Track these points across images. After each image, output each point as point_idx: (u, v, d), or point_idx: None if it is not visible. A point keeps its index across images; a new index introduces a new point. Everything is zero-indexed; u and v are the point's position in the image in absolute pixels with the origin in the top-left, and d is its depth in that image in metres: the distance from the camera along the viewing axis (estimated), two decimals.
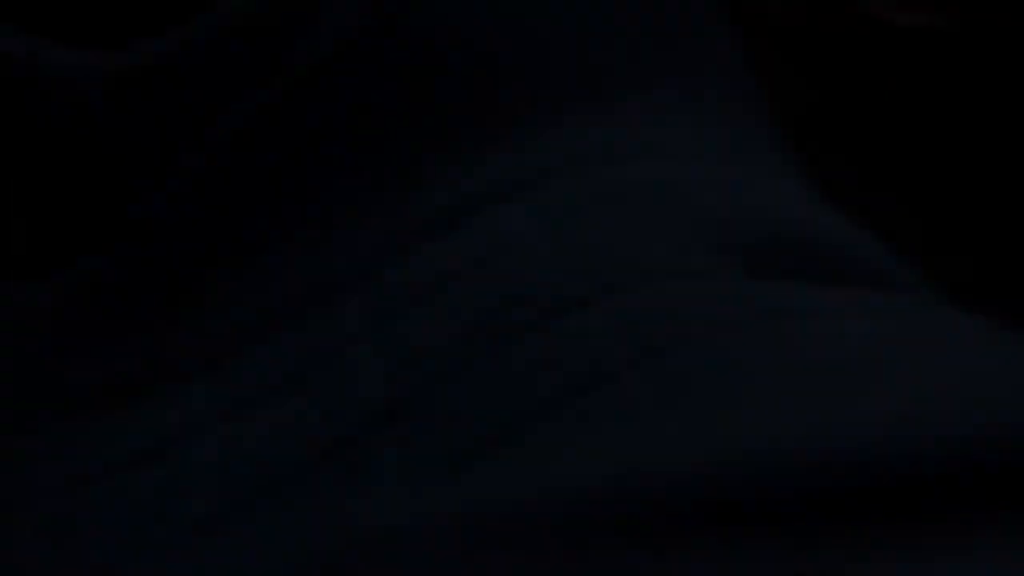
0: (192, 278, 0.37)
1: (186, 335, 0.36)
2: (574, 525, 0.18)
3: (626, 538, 0.18)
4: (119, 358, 0.35)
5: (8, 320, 0.37)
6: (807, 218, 0.34)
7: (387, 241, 0.37)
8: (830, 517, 0.16)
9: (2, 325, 0.37)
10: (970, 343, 0.24)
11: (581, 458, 0.20)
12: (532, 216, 0.34)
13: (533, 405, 0.25)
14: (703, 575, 0.17)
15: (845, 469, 0.16)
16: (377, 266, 0.36)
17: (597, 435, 0.23)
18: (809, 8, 0.48)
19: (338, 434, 0.29)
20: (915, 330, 0.24)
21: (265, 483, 0.29)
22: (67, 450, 0.32)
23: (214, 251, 0.37)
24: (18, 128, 0.39)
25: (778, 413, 0.18)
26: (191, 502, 0.30)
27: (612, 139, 0.37)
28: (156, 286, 0.36)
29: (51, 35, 0.40)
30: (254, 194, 0.37)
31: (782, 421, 0.17)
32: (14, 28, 0.40)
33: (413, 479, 0.26)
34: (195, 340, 0.36)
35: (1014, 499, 0.17)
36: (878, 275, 0.33)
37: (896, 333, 0.24)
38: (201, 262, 0.37)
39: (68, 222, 0.38)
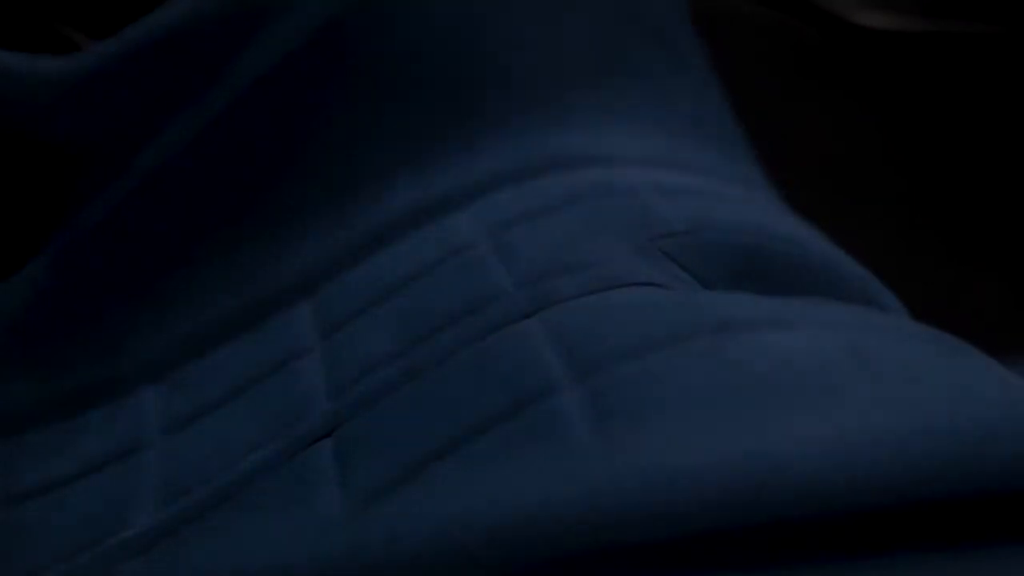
0: (138, 286, 0.36)
1: (133, 345, 0.35)
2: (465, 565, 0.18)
3: None
4: (64, 369, 0.35)
5: None
6: (767, 226, 0.34)
7: (338, 249, 0.36)
8: (740, 553, 0.16)
9: None
10: (914, 358, 0.24)
11: (496, 490, 0.19)
12: (479, 225, 0.33)
13: (465, 424, 0.24)
14: None
15: (760, 512, 0.15)
16: (327, 275, 0.35)
17: (518, 465, 0.22)
18: (775, 9, 0.48)
19: (280, 447, 0.28)
20: (866, 345, 0.24)
21: (205, 498, 0.28)
22: (6, 464, 0.32)
23: (160, 259, 0.36)
24: None
25: (689, 446, 0.17)
26: (131, 517, 0.29)
27: (564, 146, 0.37)
28: (101, 293, 0.36)
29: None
30: (202, 200, 0.37)
31: (694, 457, 0.16)
32: None
33: (350, 497, 0.25)
34: (143, 350, 0.35)
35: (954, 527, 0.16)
36: (840, 285, 0.33)
37: (845, 348, 0.23)
38: (147, 270, 0.36)
39: (16, 226, 0.37)
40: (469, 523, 0.20)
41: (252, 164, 0.37)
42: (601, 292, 0.27)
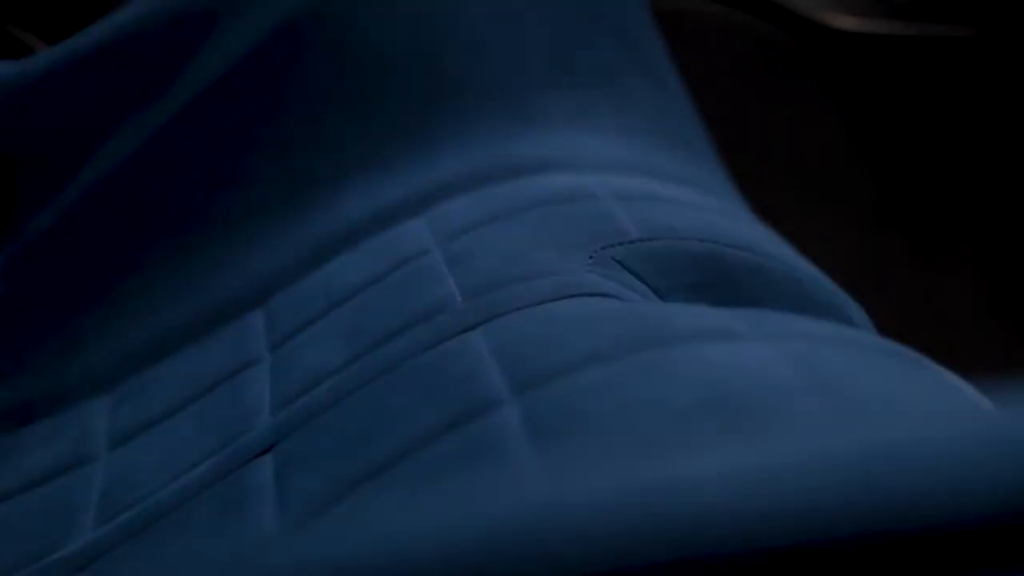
0: (86, 296, 0.35)
1: (81, 357, 0.34)
2: None
3: None
4: (8, 381, 0.34)
5: None
6: (729, 233, 0.33)
7: (291, 257, 0.35)
8: None
9: None
10: (870, 374, 0.23)
11: (432, 511, 0.18)
12: (432, 233, 0.33)
13: (404, 440, 0.24)
14: None
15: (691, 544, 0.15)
16: (280, 283, 0.35)
17: (455, 484, 0.21)
18: (742, 10, 0.47)
19: (221, 463, 0.28)
20: (818, 360, 0.23)
21: (144, 514, 0.28)
22: None
23: (109, 269, 0.36)
24: None
25: (615, 472, 0.16)
26: (72, 533, 0.28)
27: (524, 151, 0.36)
28: (47, 304, 0.35)
29: None
30: (151, 208, 0.36)
31: (618, 483, 0.16)
32: None
33: (286, 514, 0.24)
34: (90, 362, 0.34)
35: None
36: (802, 295, 0.32)
37: (795, 362, 0.22)
38: (95, 280, 0.35)
39: None
40: (402, 545, 0.19)
41: (202, 171, 0.36)
42: (548, 303, 0.27)
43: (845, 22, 0.48)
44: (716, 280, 0.31)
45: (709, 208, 0.35)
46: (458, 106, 0.38)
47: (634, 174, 0.36)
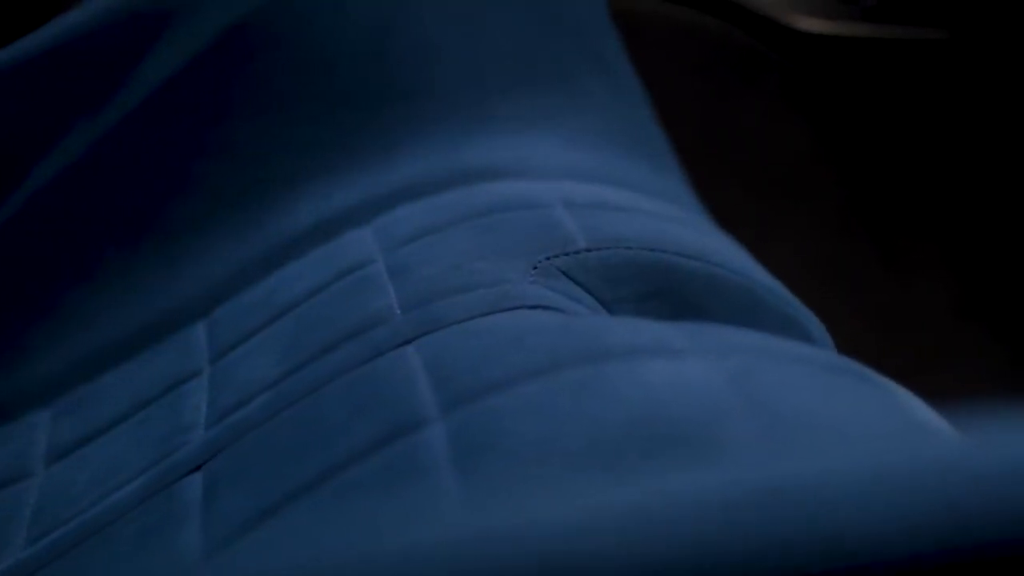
0: (30, 306, 0.34)
1: (24, 368, 0.34)
2: None
3: None
4: None
5: None
6: (684, 243, 0.32)
7: (239, 266, 0.34)
8: None
9: None
10: (813, 394, 0.22)
11: (353, 533, 0.18)
12: (379, 241, 0.32)
13: (332, 458, 0.23)
14: None
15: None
16: (227, 293, 0.34)
17: (379, 506, 0.21)
18: (705, 12, 0.47)
19: (154, 479, 0.27)
20: (759, 378, 0.22)
21: (74, 532, 0.27)
22: None
23: (53, 278, 0.35)
24: None
25: (533, 501, 0.16)
26: (3, 550, 0.28)
27: (479, 157, 0.35)
28: None
29: None
30: (97, 215, 0.35)
31: (534, 514, 0.15)
32: None
33: (210, 533, 0.24)
34: (34, 373, 0.34)
35: None
36: (756, 307, 0.31)
37: (733, 380, 0.22)
38: (40, 289, 0.35)
39: None
40: (320, 568, 0.19)
41: (150, 177, 0.36)
42: (486, 316, 0.26)
43: (812, 24, 0.47)
44: (665, 290, 0.30)
45: (664, 216, 0.34)
46: (412, 110, 0.37)
47: (589, 180, 0.35)
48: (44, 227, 0.35)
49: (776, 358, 0.24)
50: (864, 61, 0.49)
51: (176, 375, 0.31)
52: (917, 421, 0.23)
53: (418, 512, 0.20)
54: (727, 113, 0.48)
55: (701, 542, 0.14)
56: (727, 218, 0.40)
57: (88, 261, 0.35)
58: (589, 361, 0.23)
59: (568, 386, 0.22)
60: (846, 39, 0.47)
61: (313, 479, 0.23)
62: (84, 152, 0.36)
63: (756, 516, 0.14)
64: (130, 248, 0.36)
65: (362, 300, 0.29)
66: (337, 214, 0.35)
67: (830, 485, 0.14)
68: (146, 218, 0.36)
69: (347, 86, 0.37)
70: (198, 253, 0.35)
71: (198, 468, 0.26)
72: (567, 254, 0.29)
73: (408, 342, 0.26)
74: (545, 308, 0.27)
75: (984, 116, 0.50)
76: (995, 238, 0.52)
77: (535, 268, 0.29)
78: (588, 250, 0.30)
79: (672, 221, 0.34)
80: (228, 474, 0.25)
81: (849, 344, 0.34)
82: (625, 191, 0.36)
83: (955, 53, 0.48)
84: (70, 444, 0.31)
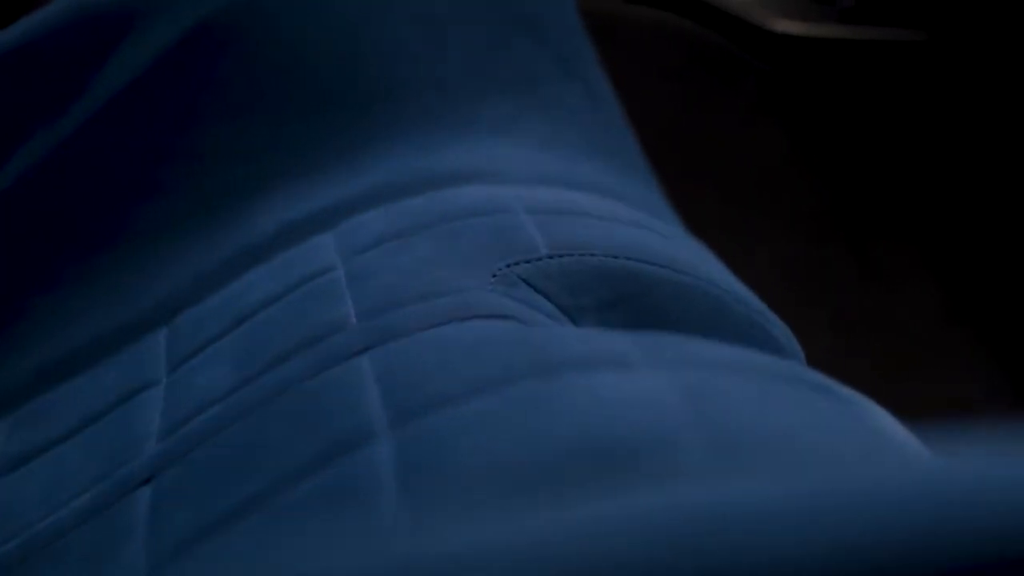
0: None
1: None
2: None
3: None
4: None
5: None
6: (651, 250, 0.32)
7: (202, 272, 0.34)
8: None
9: None
10: (772, 411, 0.22)
11: (292, 557, 0.17)
12: (341, 248, 0.31)
13: (278, 474, 0.22)
14: None
15: None
16: (189, 300, 0.33)
17: (321, 528, 0.20)
18: (679, 14, 0.46)
19: (101, 497, 0.26)
20: (715, 393, 0.22)
21: (20, 548, 0.26)
22: None
23: (13, 285, 0.34)
24: None
25: (474, 530, 0.15)
26: None
27: (445, 161, 0.35)
28: None
29: None
30: (59, 221, 0.35)
31: (473, 545, 0.14)
32: None
33: (153, 552, 0.23)
34: None
35: None
36: (722, 316, 0.31)
37: (687, 396, 0.21)
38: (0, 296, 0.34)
39: None
40: None
41: (113, 182, 0.35)
42: (442, 325, 0.26)
43: (788, 26, 0.47)
44: (629, 298, 0.30)
45: (631, 222, 0.34)
46: (377, 114, 0.36)
47: (556, 186, 0.35)
48: (5, 235, 0.35)
49: (736, 371, 0.24)
50: (841, 63, 0.48)
51: (134, 385, 0.31)
52: (880, 438, 0.22)
53: (357, 537, 0.19)
54: (702, 117, 0.48)
55: (641, 570, 0.13)
56: (701, 223, 0.40)
57: (48, 269, 0.35)
58: (542, 374, 0.22)
59: (518, 401, 0.21)
60: (823, 41, 0.47)
61: (255, 497, 0.22)
62: (45, 157, 0.35)
63: (697, 543, 0.13)
64: (92, 255, 0.35)
65: (320, 308, 0.28)
66: (301, 219, 0.34)
67: (774, 509, 0.14)
68: (108, 224, 0.35)
69: (313, 89, 0.36)
70: (161, 260, 0.35)
71: (147, 481, 0.26)
72: (528, 261, 0.29)
73: (362, 352, 0.25)
74: (503, 317, 0.26)
75: (963, 118, 0.49)
76: (975, 242, 0.52)
77: (495, 276, 0.28)
78: (550, 257, 0.29)
79: (639, 227, 0.33)
80: (175, 489, 0.25)
81: (824, 353, 0.34)
82: (592, 197, 0.35)
83: (933, 54, 0.48)
84: (22, 456, 0.30)
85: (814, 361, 0.31)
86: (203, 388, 0.28)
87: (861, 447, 0.21)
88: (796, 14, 0.47)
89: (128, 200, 0.35)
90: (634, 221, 0.34)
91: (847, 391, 0.25)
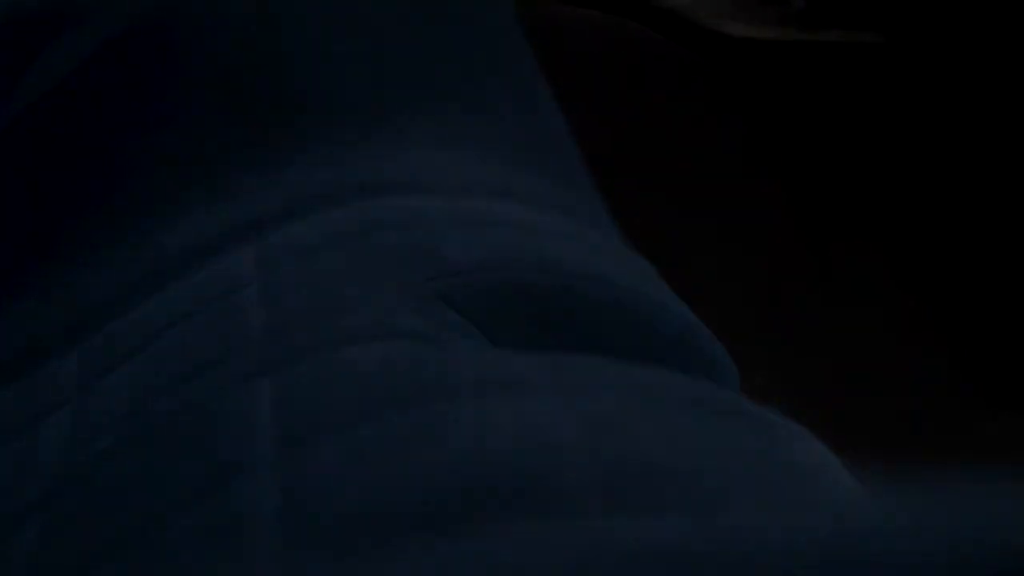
0: None
1: None
2: None
3: None
4: None
5: None
6: (584, 265, 0.31)
7: (120, 288, 0.33)
8: None
9: None
10: (684, 448, 0.21)
11: None
12: (257, 263, 0.30)
13: (158, 509, 0.21)
14: None
15: None
16: (106, 318, 0.32)
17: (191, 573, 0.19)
18: (628, 17, 0.45)
19: None
20: (622, 424, 0.21)
21: None
22: None
23: None
24: None
25: None
26: None
27: (373, 170, 0.34)
28: None
29: None
30: None
31: None
32: None
33: None
34: None
35: None
36: (654, 336, 0.30)
37: (587, 427, 0.20)
38: None
39: None
40: None
41: (29, 195, 0.34)
42: (345, 345, 0.24)
43: (740, 29, 0.46)
44: (560, 317, 0.29)
45: (565, 234, 0.33)
46: (305, 122, 0.35)
47: (489, 197, 0.34)
48: None
49: (648, 398, 0.23)
50: (794, 66, 0.47)
51: (44, 405, 0.30)
52: (795, 473, 0.21)
53: None
54: (651, 122, 0.47)
55: None
56: (651, 232, 0.39)
57: None
58: (436, 399, 0.21)
59: (408, 430, 0.20)
60: (776, 43, 0.46)
61: (137, 530, 0.21)
62: None
63: None
64: (8, 271, 0.34)
65: (227, 328, 0.27)
66: (221, 233, 0.33)
67: (654, 554, 0.13)
68: (25, 239, 0.34)
69: (235, 96, 0.35)
70: (77, 276, 0.34)
71: (36, 511, 0.25)
72: (447, 276, 0.28)
73: (262, 374, 0.24)
74: (412, 337, 0.25)
75: (922, 120, 0.49)
76: (940, 248, 0.51)
77: (410, 292, 0.27)
78: (471, 272, 0.28)
79: (572, 239, 0.32)
80: (63, 523, 0.24)
81: (781, 367, 0.33)
82: (526, 208, 0.34)
83: (891, 57, 0.47)
84: None
85: (768, 375, 0.30)
86: (104, 412, 0.27)
87: (769, 485, 0.20)
88: (746, 16, 0.46)
89: (43, 214, 0.34)
90: (567, 233, 0.33)
91: (772, 417, 0.24)
